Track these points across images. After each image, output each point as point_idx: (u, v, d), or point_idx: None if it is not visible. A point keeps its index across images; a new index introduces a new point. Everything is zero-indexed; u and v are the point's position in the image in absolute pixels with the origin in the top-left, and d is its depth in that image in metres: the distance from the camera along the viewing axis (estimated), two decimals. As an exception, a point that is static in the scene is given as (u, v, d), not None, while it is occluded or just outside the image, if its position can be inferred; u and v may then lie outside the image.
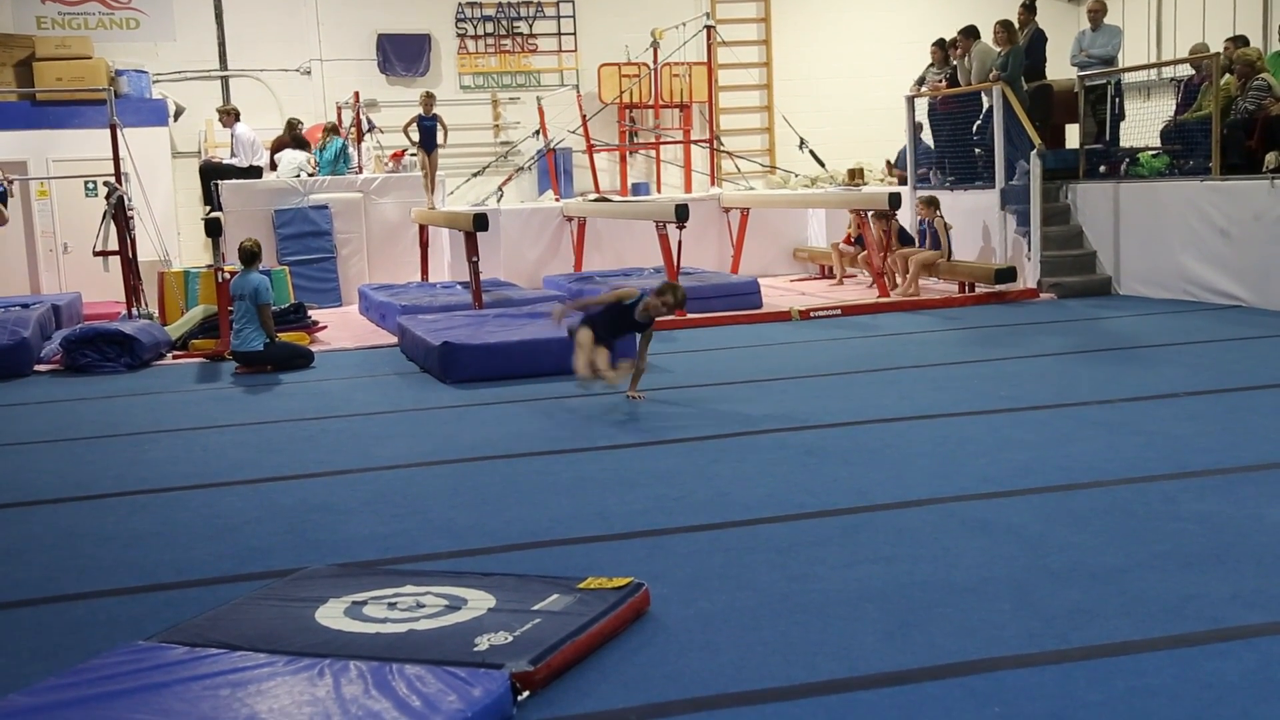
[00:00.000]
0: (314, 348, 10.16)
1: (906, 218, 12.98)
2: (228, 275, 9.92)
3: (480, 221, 10.84)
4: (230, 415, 7.63)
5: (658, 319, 7.42)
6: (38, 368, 9.84)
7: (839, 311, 11.19)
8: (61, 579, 4.46)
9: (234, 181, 13.85)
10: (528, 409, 7.37)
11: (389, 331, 10.97)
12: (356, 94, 15.25)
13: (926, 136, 13.93)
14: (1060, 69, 13.43)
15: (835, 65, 17.53)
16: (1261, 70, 11.00)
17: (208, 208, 13.58)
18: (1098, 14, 12.73)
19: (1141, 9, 17.16)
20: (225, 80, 15.92)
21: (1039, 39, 12.88)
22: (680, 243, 11.04)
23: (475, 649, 3.29)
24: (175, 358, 10.21)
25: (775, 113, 17.36)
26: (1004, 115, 12.01)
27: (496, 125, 16.71)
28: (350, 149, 14.70)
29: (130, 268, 11.40)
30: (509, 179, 15.60)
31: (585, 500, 5.18)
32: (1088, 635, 3.46)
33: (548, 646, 3.28)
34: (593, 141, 15.81)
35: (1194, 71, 11.94)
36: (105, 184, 11.51)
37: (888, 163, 15.88)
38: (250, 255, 9.49)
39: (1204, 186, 10.73)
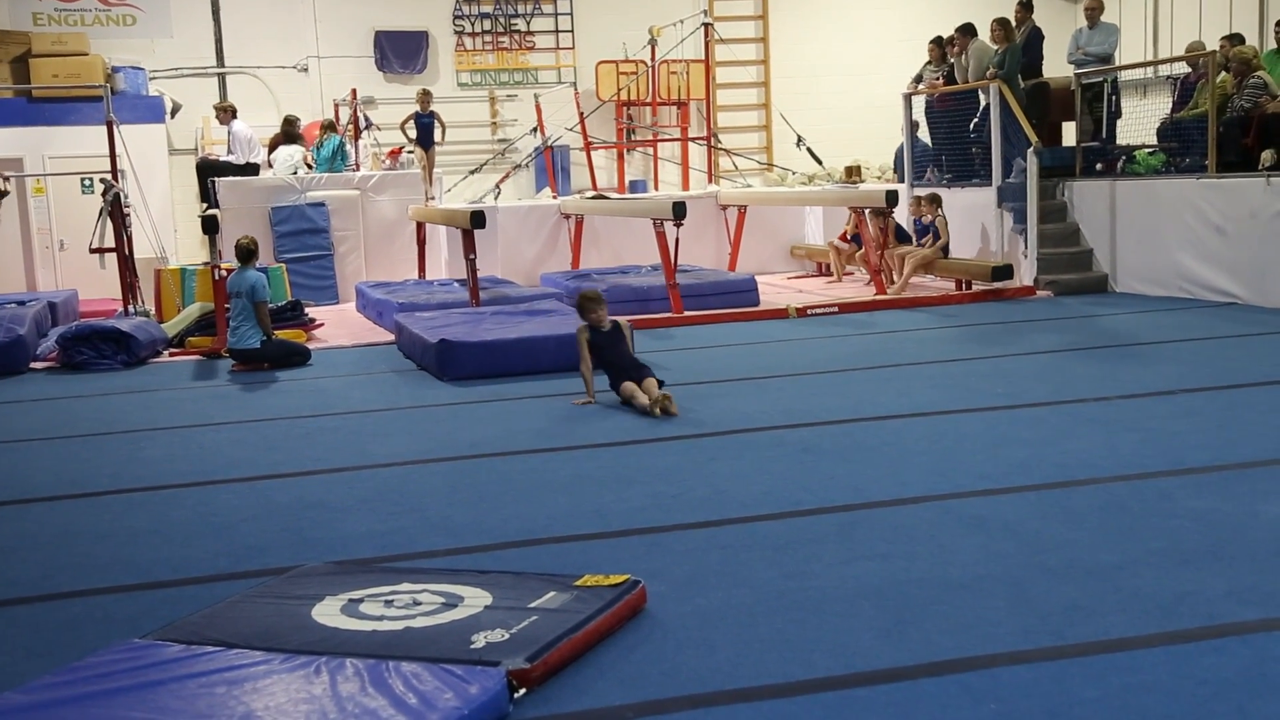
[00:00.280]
0: (311, 345, 10.15)
1: (903, 216, 12.99)
2: (224, 272, 9.91)
3: (477, 219, 10.84)
4: (227, 413, 7.63)
5: (614, 320, 7.44)
6: (34, 365, 9.82)
7: (836, 309, 11.19)
8: (57, 576, 4.45)
9: (231, 179, 13.82)
10: (525, 406, 7.37)
11: (386, 329, 10.96)
12: (354, 91, 15.23)
13: (924, 134, 13.93)
14: (1057, 67, 13.43)
15: (833, 63, 17.55)
16: (1257, 68, 11.02)
17: (204, 205, 13.55)
18: (1095, 12, 12.74)
19: (1138, 7, 17.18)
20: (222, 77, 15.92)
21: (1036, 37, 12.88)
22: (677, 240, 11.04)
23: (472, 646, 3.29)
24: (171, 355, 10.20)
25: (773, 110, 17.37)
26: (1001, 113, 12.01)
27: (494, 122, 16.71)
28: (348, 146, 14.68)
29: (127, 265, 11.36)
30: (506, 176, 15.61)
31: (582, 498, 5.18)
32: (1084, 632, 3.46)
33: (544, 644, 3.28)
34: (590, 139, 15.82)
35: (1190, 69, 11.96)
36: (101, 181, 11.49)
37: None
38: (247, 253, 9.49)
39: (1200, 184, 10.74)
